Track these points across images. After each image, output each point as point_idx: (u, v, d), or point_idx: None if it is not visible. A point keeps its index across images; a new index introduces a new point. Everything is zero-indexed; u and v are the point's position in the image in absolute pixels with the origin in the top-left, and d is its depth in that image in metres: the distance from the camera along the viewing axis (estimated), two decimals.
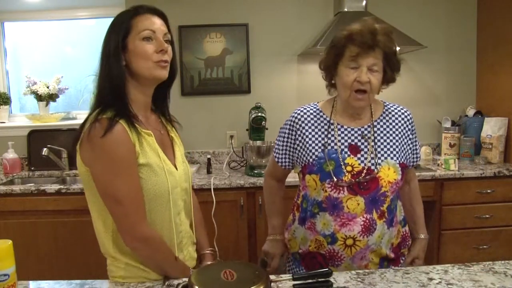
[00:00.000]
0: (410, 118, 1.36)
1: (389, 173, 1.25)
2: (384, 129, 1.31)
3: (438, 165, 2.61)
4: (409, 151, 1.34)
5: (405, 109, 1.38)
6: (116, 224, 1.08)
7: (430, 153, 2.77)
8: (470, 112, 2.89)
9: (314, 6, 2.90)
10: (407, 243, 1.38)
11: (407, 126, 1.35)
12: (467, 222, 2.43)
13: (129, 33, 1.09)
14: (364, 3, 2.68)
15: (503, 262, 1.17)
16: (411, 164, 1.38)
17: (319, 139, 1.30)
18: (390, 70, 1.25)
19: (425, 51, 2.78)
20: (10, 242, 0.94)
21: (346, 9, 2.68)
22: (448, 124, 2.88)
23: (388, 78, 1.27)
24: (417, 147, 1.40)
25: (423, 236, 1.44)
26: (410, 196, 1.46)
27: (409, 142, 1.35)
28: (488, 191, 2.42)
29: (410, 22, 2.87)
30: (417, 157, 1.40)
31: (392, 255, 1.31)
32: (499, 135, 2.65)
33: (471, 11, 2.96)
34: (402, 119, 1.35)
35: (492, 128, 2.69)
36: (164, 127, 1.25)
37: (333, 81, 1.32)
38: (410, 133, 1.36)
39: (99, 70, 1.11)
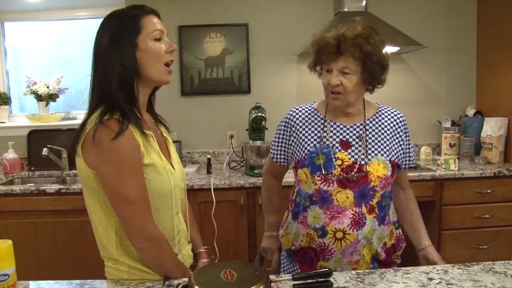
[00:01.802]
0: (403, 121, 1.39)
1: (378, 168, 1.28)
2: (376, 128, 1.35)
3: (438, 165, 2.61)
4: (401, 152, 1.36)
5: (398, 112, 1.41)
6: (125, 225, 1.08)
7: (430, 153, 2.77)
8: (470, 112, 2.89)
9: (314, 6, 2.90)
10: (401, 245, 1.39)
11: (399, 127, 1.37)
12: (467, 222, 2.43)
13: (140, 32, 1.09)
14: (364, 3, 2.68)
15: (503, 262, 1.18)
16: (404, 165, 1.40)
17: (312, 135, 1.35)
18: (366, 72, 1.27)
19: (425, 51, 2.78)
20: (10, 242, 0.94)
21: (346, 9, 2.68)
22: (448, 124, 2.88)
23: (365, 80, 1.28)
24: (411, 150, 1.42)
25: (429, 243, 1.39)
26: (407, 204, 1.44)
27: (401, 143, 1.37)
28: (488, 191, 2.42)
29: (410, 22, 2.87)
30: (410, 160, 1.42)
31: (383, 255, 1.32)
32: (499, 135, 2.65)
33: (471, 11, 2.96)
34: (395, 120, 1.38)
35: (492, 128, 2.69)
36: (157, 127, 1.26)
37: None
38: (403, 135, 1.38)
39: (101, 73, 1.09)
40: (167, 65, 1.13)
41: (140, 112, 1.12)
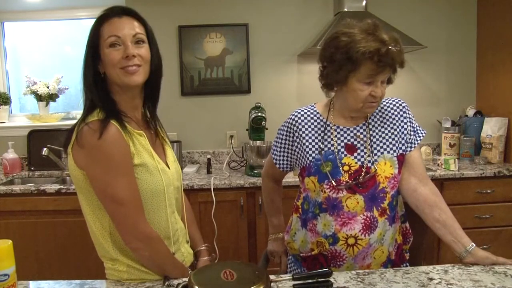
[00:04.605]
0: (401, 105, 1.33)
1: (385, 168, 1.25)
2: (379, 124, 1.31)
3: (438, 165, 2.61)
4: (408, 138, 1.31)
5: (396, 99, 1.35)
6: (117, 226, 1.08)
7: (430, 153, 2.77)
8: (470, 112, 2.89)
9: (314, 6, 2.90)
10: (408, 239, 1.38)
11: (401, 114, 1.32)
12: (467, 222, 2.43)
13: (99, 41, 1.08)
14: (364, 3, 2.68)
15: None
16: (412, 145, 1.31)
17: (316, 140, 1.31)
18: (393, 74, 1.24)
19: (425, 51, 2.78)
20: (10, 242, 0.94)
21: (346, 9, 2.68)
22: (448, 124, 2.88)
23: (388, 80, 1.27)
24: (417, 127, 1.34)
25: (475, 245, 1.22)
26: (434, 201, 1.27)
27: (405, 131, 1.31)
28: (488, 191, 2.42)
29: (410, 22, 2.88)
30: (419, 135, 1.32)
31: (394, 252, 1.31)
32: (499, 135, 2.65)
33: (471, 11, 2.96)
34: (395, 110, 1.33)
35: (492, 128, 2.69)
36: (153, 127, 1.25)
37: (335, 88, 1.29)
38: (405, 119, 1.32)
39: (82, 72, 1.12)
40: (124, 68, 1.08)
41: (121, 113, 1.11)
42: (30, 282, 1.14)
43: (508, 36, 2.64)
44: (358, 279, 1.10)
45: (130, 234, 1.08)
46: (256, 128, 2.66)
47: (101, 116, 1.06)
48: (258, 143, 2.63)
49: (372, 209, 1.23)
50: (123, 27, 1.08)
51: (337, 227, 1.24)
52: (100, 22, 1.09)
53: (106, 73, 1.10)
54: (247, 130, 2.75)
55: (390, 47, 1.15)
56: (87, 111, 1.09)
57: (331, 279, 1.06)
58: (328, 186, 1.24)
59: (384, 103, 1.35)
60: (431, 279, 1.08)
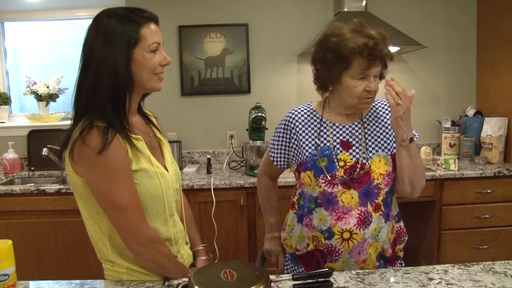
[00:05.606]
0: None
1: (380, 165, 1.28)
2: (374, 123, 1.35)
3: (438, 165, 2.61)
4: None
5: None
6: (119, 232, 1.08)
7: (430, 153, 2.77)
8: (470, 112, 2.89)
9: (314, 6, 2.90)
10: (403, 238, 1.39)
11: None
12: (467, 222, 2.43)
13: (137, 43, 1.06)
14: (364, 3, 2.68)
15: (503, 262, 1.18)
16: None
17: (312, 137, 1.34)
18: (384, 69, 1.28)
19: (425, 51, 2.78)
20: (10, 242, 0.94)
21: (346, 9, 2.68)
22: (448, 124, 2.88)
23: (380, 76, 1.29)
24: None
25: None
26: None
27: None
28: (488, 191, 2.42)
29: (410, 22, 2.88)
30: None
31: (390, 251, 1.32)
32: (499, 135, 2.65)
33: (471, 11, 2.96)
34: (390, 111, 1.33)
35: (492, 128, 2.69)
36: (150, 129, 1.24)
37: (330, 88, 1.32)
38: None
39: (92, 79, 1.04)
40: (158, 74, 1.11)
41: (128, 120, 1.10)
42: (30, 282, 1.13)
43: (508, 36, 2.64)
44: (358, 279, 1.10)
45: (133, 239, 1.08)
46: (256, 128, 2.66)
47: (102, 124, 1.03)
48: (258, 143, 2.63)
49: (367, 204, 1.25)
50: (159, 33, 1.11)
51: (332, 221, 1.26)
52: (139, 23, 1.06)
53: (134, 76, 1.07)
54: (247, 130, 2.75)
55: (377, 41, 1.19)
56: (89, 118, 1.04)
57: (331, 279, 1.06)
58: (323, 181, 1.27)
59: (379, 103, 1.39)
60: (431, 279, 1.08)
